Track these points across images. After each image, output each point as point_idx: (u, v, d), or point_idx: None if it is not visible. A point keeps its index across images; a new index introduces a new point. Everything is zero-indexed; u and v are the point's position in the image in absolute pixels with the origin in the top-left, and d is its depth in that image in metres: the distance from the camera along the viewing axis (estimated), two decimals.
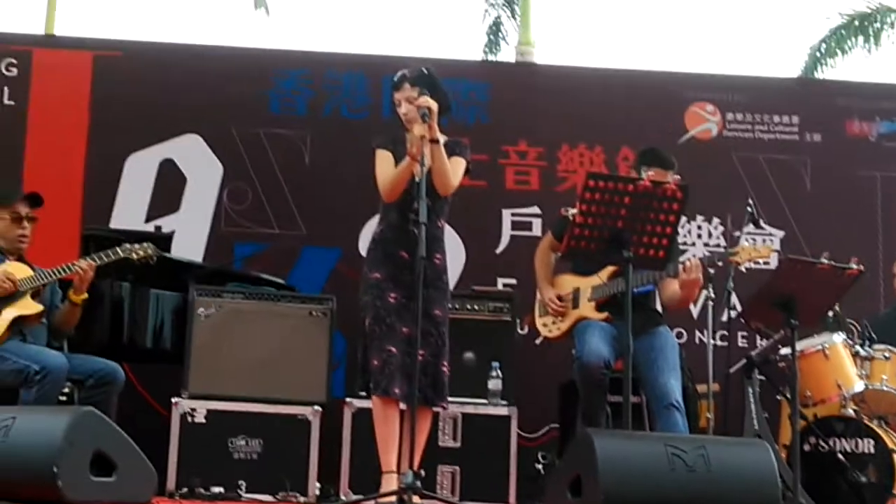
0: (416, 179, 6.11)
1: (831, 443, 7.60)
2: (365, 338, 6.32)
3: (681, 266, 6.72)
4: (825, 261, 6.74)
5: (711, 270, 6.88)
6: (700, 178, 8.41)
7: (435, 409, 6.41)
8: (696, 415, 7.90)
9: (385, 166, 6.39)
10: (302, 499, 7.24)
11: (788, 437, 7.37)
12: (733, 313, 7.62)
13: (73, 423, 5.03)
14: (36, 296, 6.84)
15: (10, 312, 6.69)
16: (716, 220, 9.56)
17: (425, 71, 6.40)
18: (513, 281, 9.14)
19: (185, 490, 7.18)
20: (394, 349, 6.16)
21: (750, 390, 7.74)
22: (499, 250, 9.58)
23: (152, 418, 8.17)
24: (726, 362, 7.84)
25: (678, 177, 6.36)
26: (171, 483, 7.21)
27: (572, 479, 5.19)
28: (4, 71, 9.58)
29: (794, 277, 6.81)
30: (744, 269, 7.10)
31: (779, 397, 8.08)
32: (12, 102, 9.56)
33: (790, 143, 9.78)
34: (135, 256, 6.95)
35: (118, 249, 6.94)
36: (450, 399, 6.43)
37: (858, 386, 7.72)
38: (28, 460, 4.99)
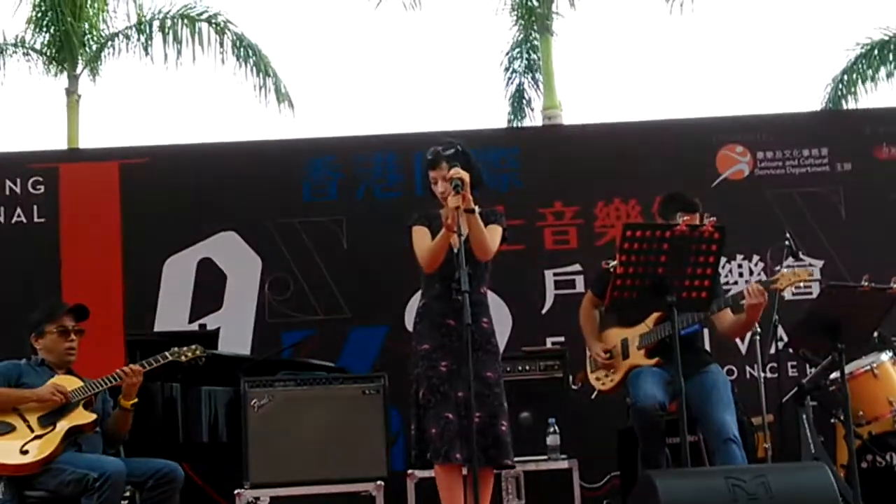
0: (455, 250, 6.14)
1: (888, 457, 7.59)
2: (419, 409, 6.33)
3: (746, 289, 6.73)
4: (865, 283, 6.75)
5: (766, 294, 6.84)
6: (736, 218, 8.47)
7: (501, 469, 6.41)
8: (754, 447, 7.89)
9: (423, 240, 6.43)
10: None
11: (845, 457, 7.37)
12: (780, 344, 7.61)
13: None
14: (88, 406, 6.85)
15: (65, 424, 6.70)
16: (755, 258, 9.55)
17: (459, 148, 6.44)
18: (561, 339, 9.11)
19: None
20: (451, 415, 6.16)
21: (804, 416, 7.74)
22: (544, 310, 9.60)
23: None
24: (778, 392, 7.84)
25: (714, 218, 6.38)
26: None
27: None
28: (31, 189, 9.69)
29: (836, 302, 6.82)
30: (785, 296, 7.12)
31: (833, 420, 8.06)
32: (43, 219, 9.67)
33: (821, 174, 9.78)
34: (183, 359, 7.01)
35: (167, 354, 6.99)
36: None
37: None
38: None
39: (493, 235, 6.41)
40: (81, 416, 6.79)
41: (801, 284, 7.73)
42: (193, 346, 7.08)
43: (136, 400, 6.92)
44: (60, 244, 9.62)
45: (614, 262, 6.23)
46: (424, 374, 6.32)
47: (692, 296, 6.17)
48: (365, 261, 9.55)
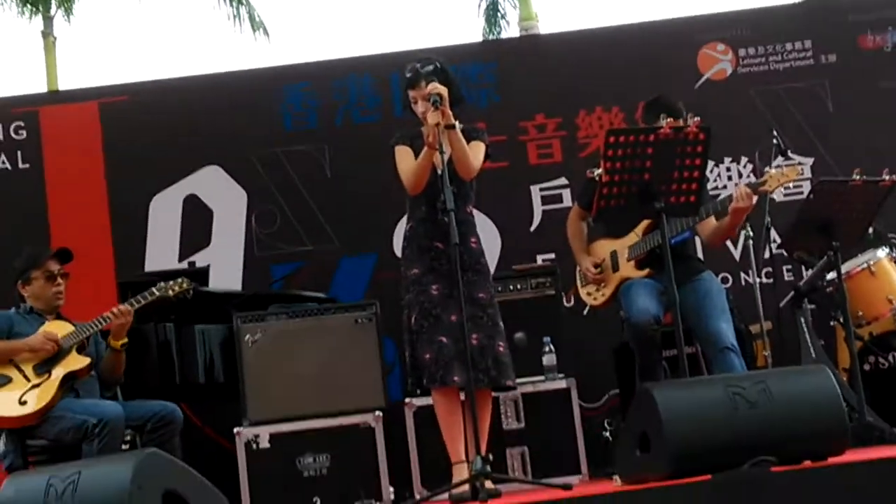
0: (438, 170, 6.08)
1: (890, 358, 7.56)
2: (412, 335, 6.28)
3: (736, 191, 6.64)
4: (857, 177, 6.70)
5: (755, 198, 6.75)
6: (722, 120, 8.38)
7: (500, 390, 6.42)
8: (753, 355, 7.89)
9: (406, 161, 6.37)
10: None
11: (847, 360, 7.34)
12: (774, 248, 7.55)
13: (138, 467, 4.99)
14: (81, 349, 6.89)
15: (59, 371, 6.73)
16: (744, 159, 9.45)
17: (438, 64, 6.34)
18: (551, 256, 9.06)
19: None
20: (445, 339, 6.12)
21: (802, 320, 7.70)
22: (533, 227, 9.53)
23: (218, 452, 8.17)
24: (775, 298, 7.80)
25: (698, 118, 6.29)
26: None
27: (639, 437, 5.17)
28: (14, 135, 9.60)
29: (828, 199, 6.77)
30: (776, 198, 7.05)
31: (832, 323, 8.02)
32: (27, 165, 9.58)
33: (806, 68, 9.68)
34: (171, 293, 7.01)
35: (153, 290, 7.00)
36: None
37: None
38: None
39: (476, 152, 6.34)
40: (76, 361, 6.82)
41: (792, 185, 7.64)
42: (180, 280, 7.09)
43: (125, 340, 6.95)
44: (46, 189, 9.54)
45: (599, 171, 6.16)
46: (416, 300, 6.28)
47: (680, 200, 6.10)
48: (349, 188, 9.48)
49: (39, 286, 7.03)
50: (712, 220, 6.87)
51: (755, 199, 6.66)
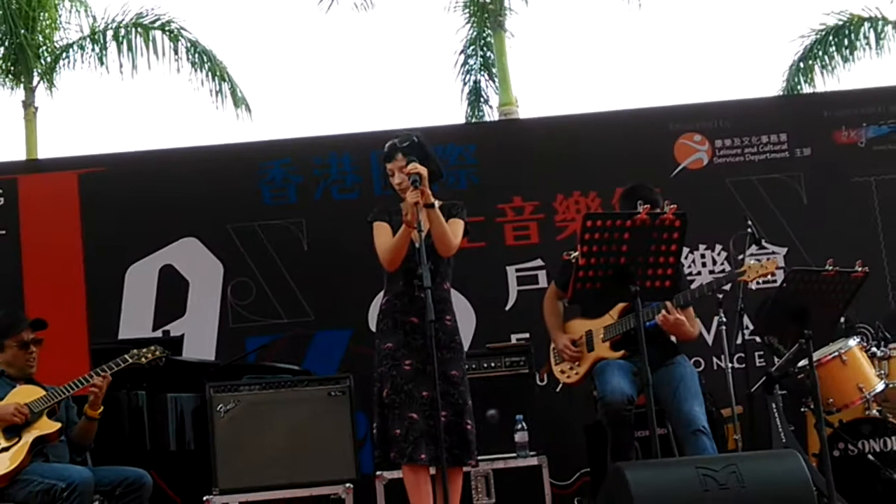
0: (416, 245, 6.12)
1: (860, 445, 7.61)
2: (382, 408, 6.31)
3: (656, 319, 6.74)
4: (830, 268, 6.75)
5: (720, 296, 6.83)
6: (697, 208, 8.39)
7: (465, 467, 6.41)
8: (725, 438, 7.93)
9: (383, 237, 6.43)
10: None
11: (817, 445, 7.38)
12: (747, 334, 7.60)
13: None
14: (52, 414, 6.86)
15: (29, 435, 6.70)
16: (718, 247, 9.53)
17: (415, 139, 6.42)
18: (526, 335, 9.09)
19: None
20: (415, 415, 6.16)
21: (773, 405, 7.72)
22: (508, 307, 9.56)
23: None
24: (746, 383, 7.83)
25: (675, 206, 6.36)
26: None
27: None
28: None
29: (802, 288, 6.81)
30: (753, 287, 7.10)
31: (803, 409, 8.08)
32: (3, 231, 9.58)
33: (781, 160, 9.77)
34: (143, 360, 7.02)
35: (126, 357, 7.00)
36: (479, 457, 6.45)
37: (879, 386, 7.72)
38: None
39: (455, 229, 6.41)
40: (46, 426, 6.79)
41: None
42: (153, 347, 7.09)
43: (101, 409, 6.92)
44: (22, 255, 9.53)
45: (576, 253, 6.20)
46: (388, 374, 6.32)
47: (656, 285, 6.14)
48: (326, 262, 9.51)
49: (12, 354, 7.02)
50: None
51: (725, 290, 6.70)
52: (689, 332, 6.96)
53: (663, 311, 6.76)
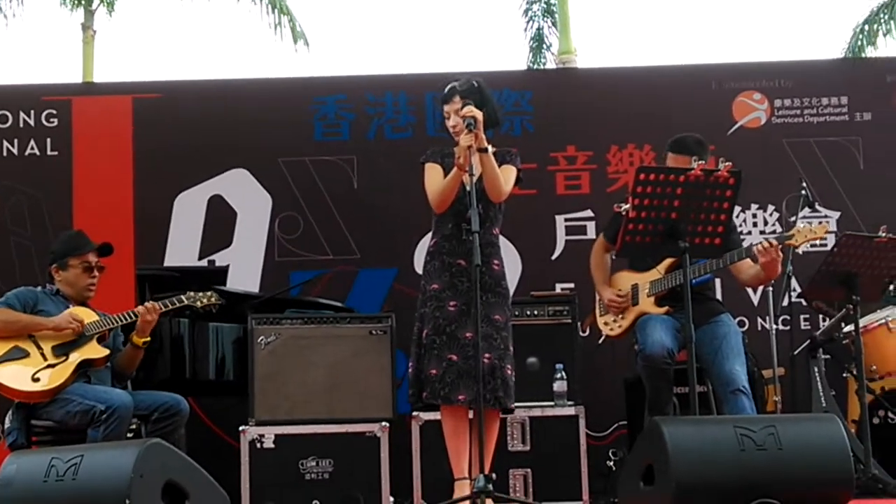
0: (467, 189, 6.10)
1: None
2: (420, 348, 6.32)
3: (756, 248, 6.62)
4: (882, 234, 6.69)
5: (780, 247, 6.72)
6: (752, 167, 8.33)
7: (503, 412, 6.41)
8: (764, 399, 7.91)
9: (434, 179, 6.40)
10: None
11: (857, 412, 7.35)
12: (793, 296, 7.55)
13: (141, 456, 5.02)
14: (101, 340, 6.89)
15: (77, 355, 6.74)
16: (770, 208, 9.44)
17: (475, 84, 6.38)
18: (570, 285, 9.02)
19: None
20: (455, 357, 6.16)
21: (815, 369, 7.71)
22: (554, 256, 9.52)
23: (222, 450, 8.21)
24: (790, 345, 7.79)
25: (729, 163, 6.29)
26: None
27: (644, 469, 5.18)
28: (45, 122, 9.60)
29: (852, 253, 6.78)
30: (801, 252, 7.04)
31: (845, 375, 8.04)
32: (55, 153, 9.58)
33: (840, 123, 9.65)
34: (198, 305, 7.04)
35: (182, 297, 7.01)
36: (517, 404, 6.43)
37: None
38: (100, 496, 4.98)
39: (507, 175, 6.37)
40: (94, 350, 6.83)
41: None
42: (210, 293, 7.09)
43: (148, 339, 6.95)
44: (73, 177, 9.56)
45: (626, 206, 6.17)
46: (431, 314, 6.31)
47: (705, 242, 6.15)
48: (375, 201, 9.49)
49: (75, 275, 7.03)
50: (750, 264, 6.84)
51: (779, 249, 6.62)
52: (776, 271, 6.83)
53: (766, 240, 6.63)
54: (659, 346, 6.66)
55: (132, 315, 6.88)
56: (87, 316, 6.87)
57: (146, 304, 6.93)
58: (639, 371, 6.86)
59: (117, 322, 6.90)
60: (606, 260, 7.49)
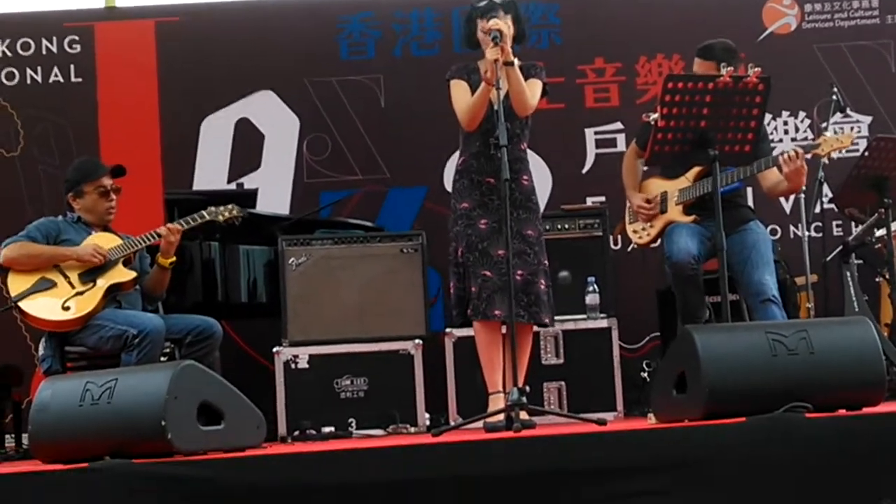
0: (495, 106, 6.04)
1: None
2: (458, 267, 6.34)
3: (781, 157, 6.56)
4: None
5: (809, 156, 6.66)
6: (783, 74, 8.20)
7: (540, 326, 6.44)
8: (797, 307, 7.90)
9: (462, 95, 6.37)
10: (413, 429, 7.27)
11: (889, 315, 7.34)
12: (825, 201, 7.49)
13: (175, 377, 5.02)
14: (127, 263, 6.88)
15: (104, 281, 6.73)
16: (801, 114, 9.37)
17: None
18: (601, 198, 9.03)
19: (296, 433, 7.22)
20: (489, 273, 6.17)
21: (848, 275, 7.66)
22: (585, 170, 9.48)
23: (257, 371, 8.25)
24: (823, 252, 7.74)
25: (759, 69, 6.21)
26: (281, 428, 7.28)
27: (676, 377, 5.17)
28: (68, 49, 9.58)
29: (884, 157, 6.73)
30: (826, 161, 6.97)
31: (878, 279, 8.00)
32: (80, 80, 9.55)
33: (871, 27, 9.54)
34: (221, 218, 6.99)
35: (203, 213, 6.98)
36: None
37: None
38: (136, 418, 4.99)
39: (533, 89, 6.34)
40: (121, 274, 6.81)
41: None
42: (230, 206, 7.06)
43: (174, 259, 6.93)
44: (98, 104, 9.53)
45: (655, 115, 6.13)
46: (463, 232, 6.33)
47: (735, 150, 6.12)
48: (403, 120, 9.45)
49: (92, 200, 6.98)
50: (776, 173, 6.74)
51: (806, 158, 6.54)
52: (801, 182, 6.74)
53: (792, 150, 6.56)
54: (685, 253, 6.62)
55: (155, 235, 6.86)
56: (110, 241, 6.86)
57: (168, 224, 6.92)
58: (668, 279, 6.84)
59: (140, 244, 6.88)
60: (638, 166, 7.41)
